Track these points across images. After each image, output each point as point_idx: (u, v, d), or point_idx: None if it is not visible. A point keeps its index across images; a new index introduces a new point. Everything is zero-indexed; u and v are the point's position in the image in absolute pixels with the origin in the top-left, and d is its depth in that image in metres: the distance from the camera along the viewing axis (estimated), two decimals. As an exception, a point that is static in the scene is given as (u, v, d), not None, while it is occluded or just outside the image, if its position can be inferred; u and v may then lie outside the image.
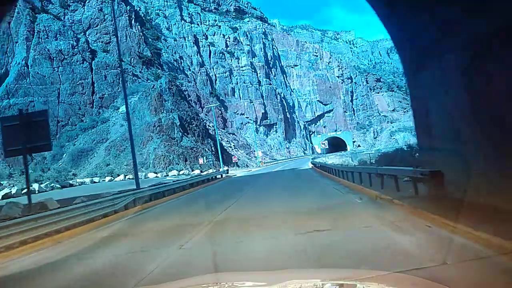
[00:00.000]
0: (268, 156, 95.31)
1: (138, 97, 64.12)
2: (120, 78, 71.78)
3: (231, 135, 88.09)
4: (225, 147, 76.34)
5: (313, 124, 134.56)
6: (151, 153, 54.25)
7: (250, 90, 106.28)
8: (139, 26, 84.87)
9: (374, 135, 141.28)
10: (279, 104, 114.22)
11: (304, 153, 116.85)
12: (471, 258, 5.11)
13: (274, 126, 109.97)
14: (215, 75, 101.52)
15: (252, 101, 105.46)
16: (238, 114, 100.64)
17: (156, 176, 49.58)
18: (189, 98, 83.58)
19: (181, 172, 51.14)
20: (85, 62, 69.12)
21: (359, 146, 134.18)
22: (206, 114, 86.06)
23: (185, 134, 59.08)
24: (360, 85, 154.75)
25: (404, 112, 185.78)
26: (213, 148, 64.28)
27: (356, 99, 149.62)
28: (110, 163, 54.28)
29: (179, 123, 58.60)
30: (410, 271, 4.17)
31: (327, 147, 37.51)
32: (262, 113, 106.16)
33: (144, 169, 52.73)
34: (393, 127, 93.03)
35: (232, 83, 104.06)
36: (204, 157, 52.13)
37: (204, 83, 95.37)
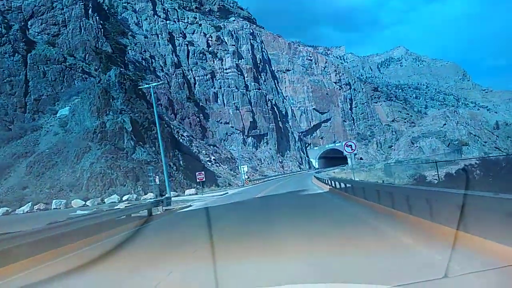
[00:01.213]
0: (257, 171, 79.65)
1: (81, 96, 48.50)
2: (65, 76, 56.59)
3: (211, 147, 72.45)
4: (202, 162, 60.76)
5: (309, 135, 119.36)
6: (86, 170, 38.35)
7: (236, 95, 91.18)
8: (97, 17, 69.73)
9: (377, 146, 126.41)
10: (270, 112, 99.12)
11: (300, 168, 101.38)
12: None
13: (265, 137, 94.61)
14: (194, 78, 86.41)
15: (238, 108, 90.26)
16: (221, 123, 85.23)
17: (85, 205, 33.66)
18: (159, 102, 68.04)
19: (125, 197, 35.24)
20: (17, 54, 53.55)
21: (361, 159, 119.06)
22: (180, 122, 70.58)
23: (140, 143, 43.37)
24: (359, 92, 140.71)
25: (405, 122, 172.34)
26: (182, 162, 48.57)
27: (355, 107, 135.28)
28: (28, 186, 38.21)
29: (131, 128, 42.95)
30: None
31: (355, 150, 21.38)
32: (250, 122, 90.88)
33: (73, 193, 36.78)
34: (413, 132, 77.60)
35: (215, 87, 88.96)
36: (157, 176, 36.26)
37: (180, 86, 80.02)
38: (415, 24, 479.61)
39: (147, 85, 32.00)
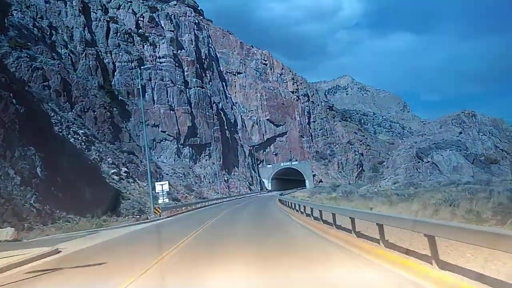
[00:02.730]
0: (193, 192, 58.17)
1: None
2: None
3: (126, 155, 50.16)
4: (102, 174, 38.70)
5: (262, 151, 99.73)
6: None
7: (171, 91, 69.79)
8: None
9: (338, 167, 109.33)
10: (215, 117, 78.52)
11: (250, 189, 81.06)
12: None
13: (207, 149, 73.53)
14: (113, 63, 64.11)
15: (173, 108, 68.78)
16: (148, 125, 63.23)
17: None
18: (45, 83, 45.26)
19: None
20: None
21: (321, 181, 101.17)
22: (79, 115, 47.83)
23: None
24: (318, 105, 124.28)
25: (361, 144, 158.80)
26: (40, 172, 26.24)
27: (314, 121, 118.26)
28: None
29: None
30: None
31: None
32: (189, 127, 69.61)
33: None
34: (416, 142, 59.34)
35: (143, 79, 66.90)
36: None
37: (91, 71, 57.55)
38: (360, 56, 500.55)
39: None
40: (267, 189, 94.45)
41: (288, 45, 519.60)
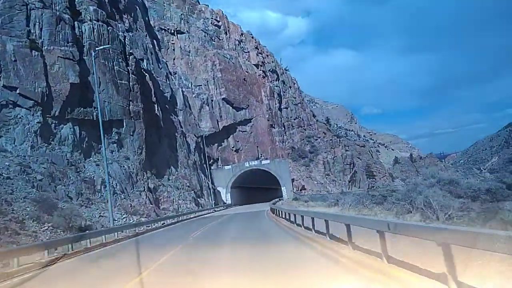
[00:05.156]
0: (54, 215, 23.97)
1: None
2: None
3: None
4: None
5: (216, 144, 66.81)
6: None
7: (37, 16, 35.60)
8: None
9: (325, 169, 78.55)
10: (135, 79, 44.82)
11: (198, 204, 47.83)
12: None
13: (114, 131, 39.73)
14: None
15: (38, 45, 34.56)
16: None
17: None
18: None
19: None
20: None
21: (303, 188, 69.87)
22: None
23: None
24: (290, 86, 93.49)
25: (332, 145, 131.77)
26: None
27: (286, 108, 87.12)
28: None
29: None
30: None
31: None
32: (73, 85, 35.60)
33: None
34: None
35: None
36: None
37: None
38: (307, 70, 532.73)
39: None
40: (224, 203, 61.82)
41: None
